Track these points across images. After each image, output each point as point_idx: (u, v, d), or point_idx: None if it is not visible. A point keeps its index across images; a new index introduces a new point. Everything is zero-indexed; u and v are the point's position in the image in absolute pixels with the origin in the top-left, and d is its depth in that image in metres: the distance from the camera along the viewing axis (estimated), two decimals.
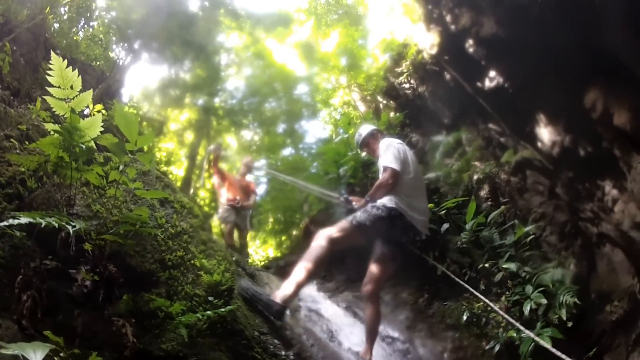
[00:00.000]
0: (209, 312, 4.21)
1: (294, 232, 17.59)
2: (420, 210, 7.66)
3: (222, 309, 4.33)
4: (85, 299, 3.66)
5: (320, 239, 7.29)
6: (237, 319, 4.97)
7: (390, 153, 7.69)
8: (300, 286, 6.83)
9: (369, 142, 8.66)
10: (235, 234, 14.22)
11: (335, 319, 9.84)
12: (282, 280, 12.19)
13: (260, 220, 22.02)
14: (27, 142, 5.02)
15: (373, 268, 7.56)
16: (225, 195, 14.00)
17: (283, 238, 21.14)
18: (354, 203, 8.09)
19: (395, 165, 7.49)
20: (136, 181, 4.98)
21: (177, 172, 21.62)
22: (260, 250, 23.89)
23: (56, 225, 3.45)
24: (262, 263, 17.20)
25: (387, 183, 7.42)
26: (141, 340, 3.69)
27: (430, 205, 10.78)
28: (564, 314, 7.82)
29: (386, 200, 7.34)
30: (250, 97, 22.12)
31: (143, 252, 4.54)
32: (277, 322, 6.34)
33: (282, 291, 6.52)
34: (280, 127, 22.13)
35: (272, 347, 5.54)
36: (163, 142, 21.92)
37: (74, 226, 3.64)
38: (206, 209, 20.57)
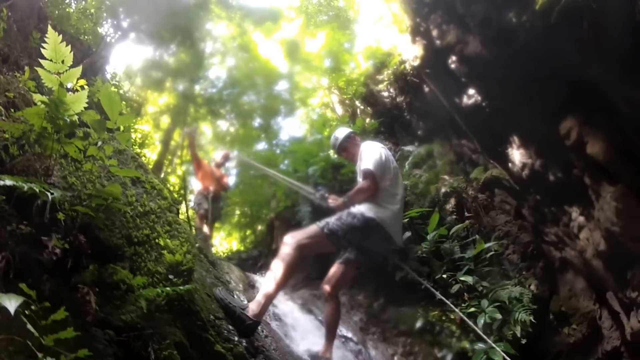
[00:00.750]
0: (168, 289, 4.28)
1: (259, 227, 17.42)
2: (399, 220, 7.01)
3: (181, 287, 4.42)
4: (54, 266, 3.67)
5: (288, 247, 6.48)
6: (195, 300, 5.03)
7: (372, 157, 6.94)
8: (271, 299, 6.37)
9: (347, 146, 7.77)
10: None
11: (291, 314, 9.78)
12: (243, 270, 12.27)
13: (226, 212, 21.83)
14: (12, 110, 4.97)
15: (336, 269, 6.88)
16: (199, 184, 13.94)
17: (248, 232, 20.82)
18: (330, 201, 7.14)
19: (375, 170, 6.76)
20: (112, 159, 5.05)
21: (150, 155, 21.35)
22: (225, 242, 23.78)
23: (37, 190, 3.53)
24: (225, 255, 17.09)
25: (368, 188, 6.71)
26: (103, 309, 3.73)
27: None
28: (518, 331, 7.82)
29: (365, 209, 6.60)
30: (230, 87, 21.78)
31: (112, 226, 4.58)
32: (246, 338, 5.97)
33: (252, 306, 6.08)
34: (257, 122, 21.87)
35: (225, 332, 5.62)
36: (139, 124, 21.64)
37: (52, 194, 3.69)
38: (175, 195, 20.29)
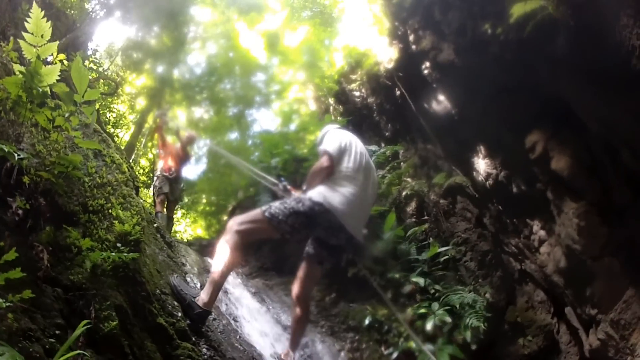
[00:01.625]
0: (113, 254, 4.43)
1: (224, 218, 17.19)
2: (358, 210, 6.11)
3: (126, 255, 4.53)
4: (15, 225, 3.93)
5: (229, 232, 5.93)
6: (141, 272, 5.22)
7: (330, 138, 6.40)
8: (218, 285, 5.93)
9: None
10: None
11: (242, 301, 9.60)
12: (200, 255, 12.14)
13: (193, 199, 21.59)
14: None
15: (300, 269, 6.51)
16: (161, 164, 13.68)
17: (213, 221, 20.62)
18: (293, 193, 6.56)
19: (332, 150, 6.12)
20: (77, 131, 5.33)
21: (123, 136, 21.02)
22: (190, 229, 23.54)
23: (10, 151, 3.87)
24: (187, 240, 16.86)
25: (320, 168, 6.08)
26: (54, 269, 3.98)
27: None
28: (468, 336, 7.74)
29: (314, 193, 5.88)
30: (208, 75, 21.55)
31: (70, 194, 4.81)
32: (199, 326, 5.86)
33: (202, 295, 5.87)
34: (231, 111, 21.59)
35: (170, 307, 5.75)
36: (115, 104, 21.31)
37: (22, 158, 4.02)
38: (143, 177, 19.95)
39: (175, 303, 5.99)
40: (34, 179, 4.29)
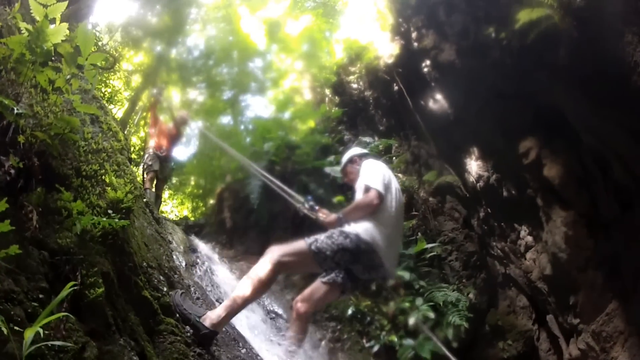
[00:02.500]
0: (104, 220, 4.32)
1: (211, 201, 17.11)
2: (396, 246, 5.99)
3: (116, 221, 4.38)
4: (7, 184, 3.81)
5: (267, 261, 5.44)
6: (129, 242, 5.17)
7: (375, 173, 5.94)
8: (234, 312, 5.41)
9: (347, 170, 6.70)
10: None
11: (226, 282, 9.69)
12: (187, 234, 12.15)
13: (181, 181, 21.52)
14: None
15: (317, 288, 5.80)
16: (153, 142, 13.62)
17: (200, 204, 20.50)
18: (320, 215, 6.16)
19: (381, 188, 5.72)
20: (76, 94, 5.13)
21: (117, 112, 20.88)
22: (176, 210, 23.46)
23: (10, 105, 3.87)
24: (173, 220, 16.82)
25: (370, 204, 5.65)
26: (42, 231, 3.88)
27: (341, 198, 10.64)
28: (450, 333, 7.77)
29: (361, 229, 5.49)
30: (205, 57, 21.41)
31: (64, 157, 4.69)
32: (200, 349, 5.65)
33: (212, 315, 5.34)
34: (225, 95, 21.45)
35: (156, 281, 5.68)
36: (111, 79, 21.18)
37: (19, 113, 3.97)
38: (133, 155, 19.81)
39: (161, 277, 5.94)
40: (29, 139, 4.20)
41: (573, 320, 6.45)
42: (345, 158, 6.70)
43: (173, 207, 23.46)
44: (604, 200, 5.94)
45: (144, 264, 5.65)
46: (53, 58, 4.69)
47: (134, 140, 21.85)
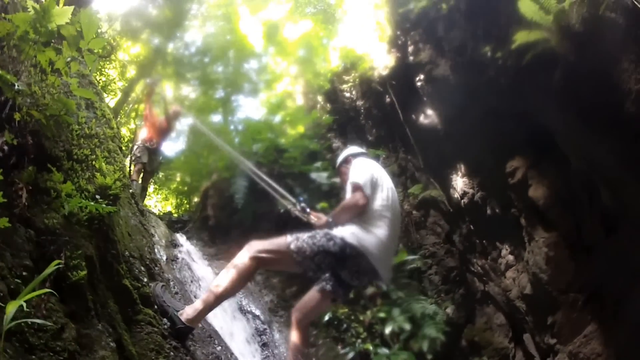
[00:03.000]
0: (92, 204, 4.44)
1: (195, 199, 17.08)
2: (389, 250, 5.58)
3: (104, 206, 4.52)
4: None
5: (245, 255, 5.27)
6: (114, 230, 5.21)
7: (362, 172, 5.64)
8: (210, 307, 5.32)
9: (341, 170, 6.38)
10: None
11: (205, 279, 9.67)
12: (170, 229, 12.13)
13: (167, 176, 21.46)
14: (3, 14, 4.92)
15: (310, 297, 5.66)
16: (143, 134, 13.57)
17: (184, 201, 20.44)
18: (312, 217, 5.91)
19: (367, 188, 5.44)
20: (74, 78, 5.19)
21: (109, 102, 20.78)
22: (160, 205, 23.38)
23: (11, 81, 3.97)
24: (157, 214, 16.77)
25: (356, 205, 5.37)
26: (30, 210, 3.95)
27: (325, 204, 10.63)
28: (425, 346, 7.76)
29: (347, 233, 5.21)
30: (201, 54, 21.37)
31: (58, 139, 4.76)
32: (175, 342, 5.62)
33: (189, 309, 5.30)
34: (218, 94, 21.38)
35: (137, 271, 5.71)
36: (107, 68, 21.10)
37: (19, 90, 4.06)
38: (123, 147, 19.73)
39: (142, 268, 5.92)
40: (24, 117, 4.26)
41: (550, 340, 6.44)
42: (340, 158, 6.41)
43: (157, 202, 23.33)
44: (589, 223, 5.95)
45: (127, 253, 5.64)
46: (54, 40, 4.74)
47: (124, 131, 21.78)
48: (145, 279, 5.60)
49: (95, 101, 6.10)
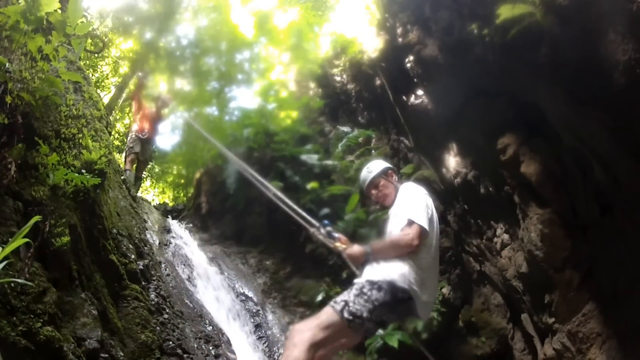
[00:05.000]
0: (76, 176, 4.66)
1: (191, 191, 17.09)
2: (432, 292, 4.88)
3: (88, 177, 4.75)
4: None
5: (298, 347, 4.15)
6: (101, 206, 5.51)
7: (418, 204, 4.81)
8: None
9: (379, 183, 5.34)
10: None
11: (199, 264, 9.83)
12: (164, 215, 12.18)
13: (163, 169, 21.41)
14: None
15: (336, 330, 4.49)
16: (136, 125, 13.67)
17: (181, 193, 20.44)
18: (339, 245, 4.92)
19: (425, 224, 4.60)
20: (62, 62, 5.44)
21: (103, 97, 20.69)
22: (157, 199, 23.32)
23: (3, 64, 4.26)
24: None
25: (410, 244, 4.50)
26: (19, 184, 4.22)
27: (315, 184, 10.59)
28: (420, 325, 7.72)
29: (397, 275, 4.43)
30: (194, 46, 21.26)
31: (46, 119, 5.02)
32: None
33: None
34: (211, 85, 21.28)
35: (124, 248, 5.96)
36: (100, 65, 21.04)
37: (9, 71, 4.37)
38: (116, 142, 19.69)
39: (131, 246, 6.29)
40: (15, 100, 4.44)
41: (548, 319, 6.36)
42: (376, 167, 5.40)
43: (154, 196, 23.29)
44: (583, 201, 5.85)
45: (114, 230, 5.90)
46: (43, 29, 4.94)
47: (119, 127, 21.73)
48: (133, 256, 5.82)
49: (83, 84, 6.40)
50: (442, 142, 8.35)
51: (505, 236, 7.23)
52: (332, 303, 4.35)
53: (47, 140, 4.80)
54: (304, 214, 5.64)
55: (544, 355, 6.62)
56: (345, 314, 4.24)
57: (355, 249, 4.76)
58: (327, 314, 4.32)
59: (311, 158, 11.67)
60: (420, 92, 8.58)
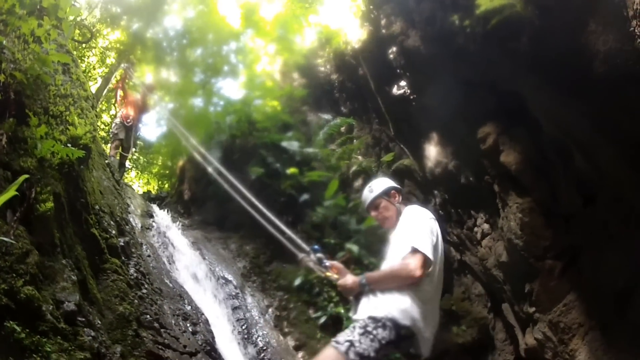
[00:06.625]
0: (62, 148, 4.81)
1: (174, 181, 17.10)
2: (434, 325, 4.32)
3: (73, 150, 4.87)
4: None
5: None
6: (84, 180, 5.69)
7: (422, 230, 4.22)
8: None
9: (380, 204, 4.74)
10: None
11: (180, 248, 9.85)
12: (147, 201, 12.21)
13: (148, 159, 21.34)
14: None
15: None
16: (121, 113, 13.72)
17: (166, 183, 20.42)
18: (330, 273, 4.56)
19: (430, 252, 4.04)
20: (53, 44, 5.63)
21: (91, 88, 20.58)
22: (141, 189, 23.29)
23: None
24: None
25: (412, 275, 3.96)
26: (9, 155, 4.35)
27: (294, 170, 10.60)
28: None
29: (396, 311, 3.96)
30: (181, 38, 21.16)
31: (36, 97, 5.12)
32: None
33: None
34: (198, 77, 21.18)
35: (106, 223, 6.10)
36: (87, 56, 20.94)
37: (2, 46, 4.61)
38: (102, 133, 19.61)
39: (112, 222, 6.38)
40: (8, 79, 4.63)
41: (529, 309, 6.32)
42: (378, 187, 4.80)
43: (139, 187, 23.21)
44: (564, 191, 5.81)
45: (97, 206, 6.02)
46: (37, 9, 5.15)
47: (105, 118, 21.64)
48: (114, 232, 5.86)
49: (71, 66, 6.61)
50: (423, 132, 8.29)
51: (486, 226, 7.20)
52: (334, 343, 3.88)
53: (37, 116, 4.90)
54: (293, 235, 5.39)
55: (525, 344, 6.57)
56: (352, 355, 3.82)
57: (349, 280, 4.31)
58: (331, 356, 3.91)
59: (292, 145, 11.68)
60: (402, 82, 8.54)
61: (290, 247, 5.31)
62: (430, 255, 3.99)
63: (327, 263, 4.55)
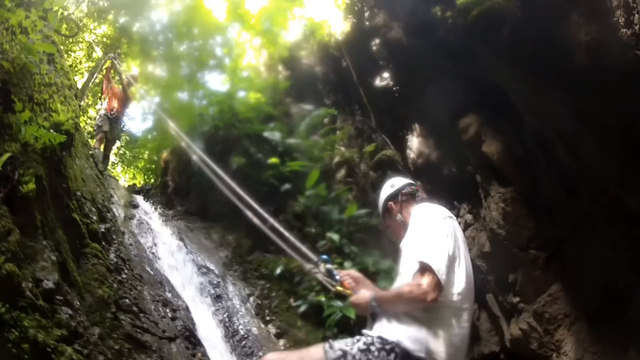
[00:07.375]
0: (45, 133, 4.97)
1: (159, 174, 17.08)
2: (464, 350, 3.64)
3: (55, 135, 5.05)
4: None
5: None
6: (67, 168, 5.87)
7: (434, 239, 3.55)
8: None
9: (391, 209, 4.21)
10: None
11: (162, 238, 10.06)
12: (130, 192, 12.21)
13: (134, 154, 21.27)
14: None
15: None
16: (105, 104, 13.72)
17: (152, 178, 20.35)
18: (341, 288, 4.12)
19: (443, 269, 3.37)
20: (39, 35, 5.71)
21: (77, 82, 20.45)
22: (127, 184, 23.25)
23: None
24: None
25: (423, 298, 3.29)
26: None
27: (275, 160, 10.58)
28: None
29: (405, 336, 3.35)
30: (167, 32, 21.06)
31: (22, 85, 5.27)
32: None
33: None
34: (183, 71, 21.10)
35: (87, 210, 6.27)
36: (73, 51, 20.81)
37: None
38: (90, 128, 19.56)
39: (94, 209, 6.61)
40: None
41: (513, 299, 6.26)
42: (384, 194, 4.33)
43: (126, 182, 23.18)
44: (547, 181, 5.77)
45: (78, 193, 6.23)
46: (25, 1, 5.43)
47: (91, 112, 21.55)
48: (95, 218, 5.98)
49: (56, 56, 6.83)
50: (406, 123, 8.27)
51: (469, 216, 7.16)
52: (326, 346, 3.39)
53: (21, 103, 5.00)
54: (299, 244, 4.93)
55: (510, 335, 6.50)
56: None
57: (362, 297, 3.75)
58: (316, 354, 3.40)
59: (274, 135, 11.74)
60: (385, 74, 8.50)
61: (297, 257, 4.89)
62: (442, 274, 3.34)
63: (338, 276, 4.10)
